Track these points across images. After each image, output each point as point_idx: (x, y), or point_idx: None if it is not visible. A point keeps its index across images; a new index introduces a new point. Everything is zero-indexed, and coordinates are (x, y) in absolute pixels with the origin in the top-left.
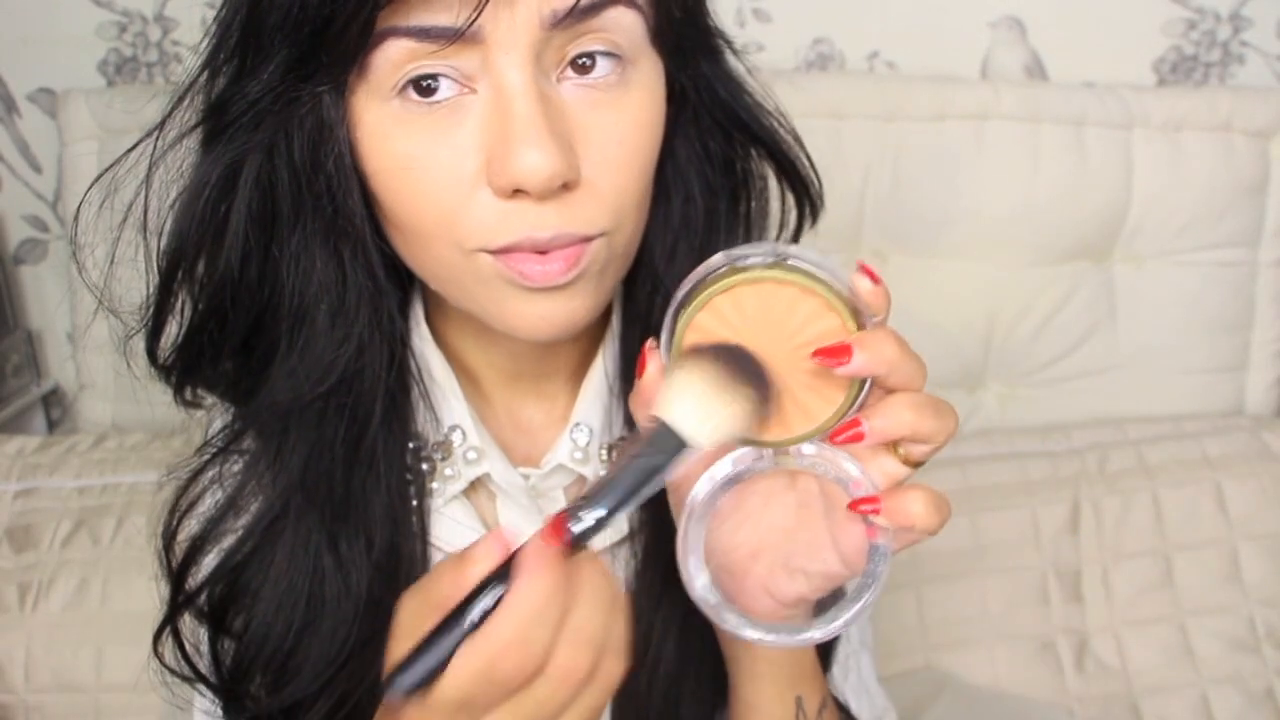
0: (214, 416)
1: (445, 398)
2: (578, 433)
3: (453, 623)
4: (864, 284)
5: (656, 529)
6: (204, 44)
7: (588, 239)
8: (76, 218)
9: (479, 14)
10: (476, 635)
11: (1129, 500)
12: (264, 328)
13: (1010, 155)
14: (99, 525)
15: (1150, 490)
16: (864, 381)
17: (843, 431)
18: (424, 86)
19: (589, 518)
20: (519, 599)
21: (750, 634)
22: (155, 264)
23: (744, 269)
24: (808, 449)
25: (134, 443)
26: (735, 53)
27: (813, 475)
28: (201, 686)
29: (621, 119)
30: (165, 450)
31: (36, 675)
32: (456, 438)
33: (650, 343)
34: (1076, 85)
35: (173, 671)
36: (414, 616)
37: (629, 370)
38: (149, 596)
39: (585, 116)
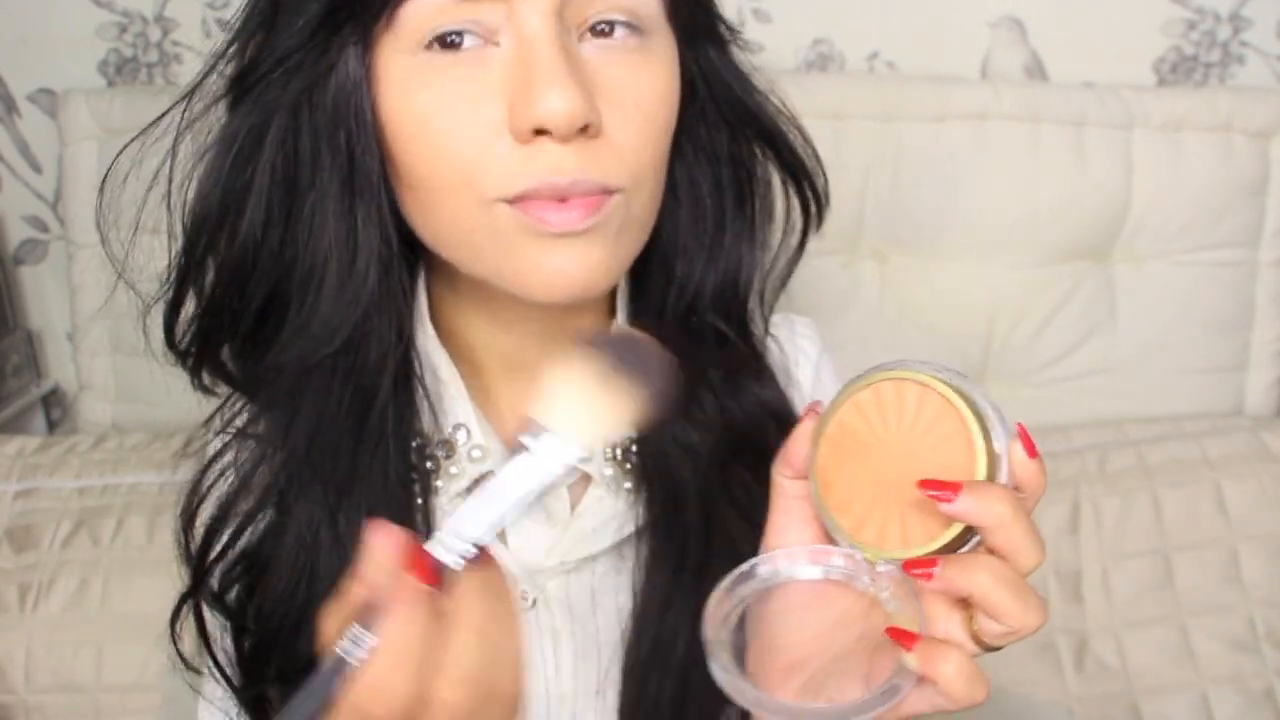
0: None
1: (450, 396)
2: None
3: (333, 667)
4: (1018, 452)
5: (663, 530)
6: (235, 18)
7: (606, 191)
8: (102, 190)
9: None
10: (352, 680)
11: (1129, 500)
12: (280, 293)
13: (1010, 155)
14: (99, 525)
15: (1150, 490)
16: (972, 533)
17: (917, 565)
18: (447, 41)
19: (461, 550)
20: (387, 639)
21: (717, 671)
22: (181, 232)
23: (925, 372)
24: (884, 568)
25: (134, 443)
26: (741, 45)
27: (884, 611)
28: (213, 673)
29: (639, 80)
30: (165, 450)
31: (36, 675)
32: (461, 436)
33: (816, 404)
34: (1076, 85)
35: (187, 665)
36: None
37: None
38: (149, 597)
39: (605, 72)
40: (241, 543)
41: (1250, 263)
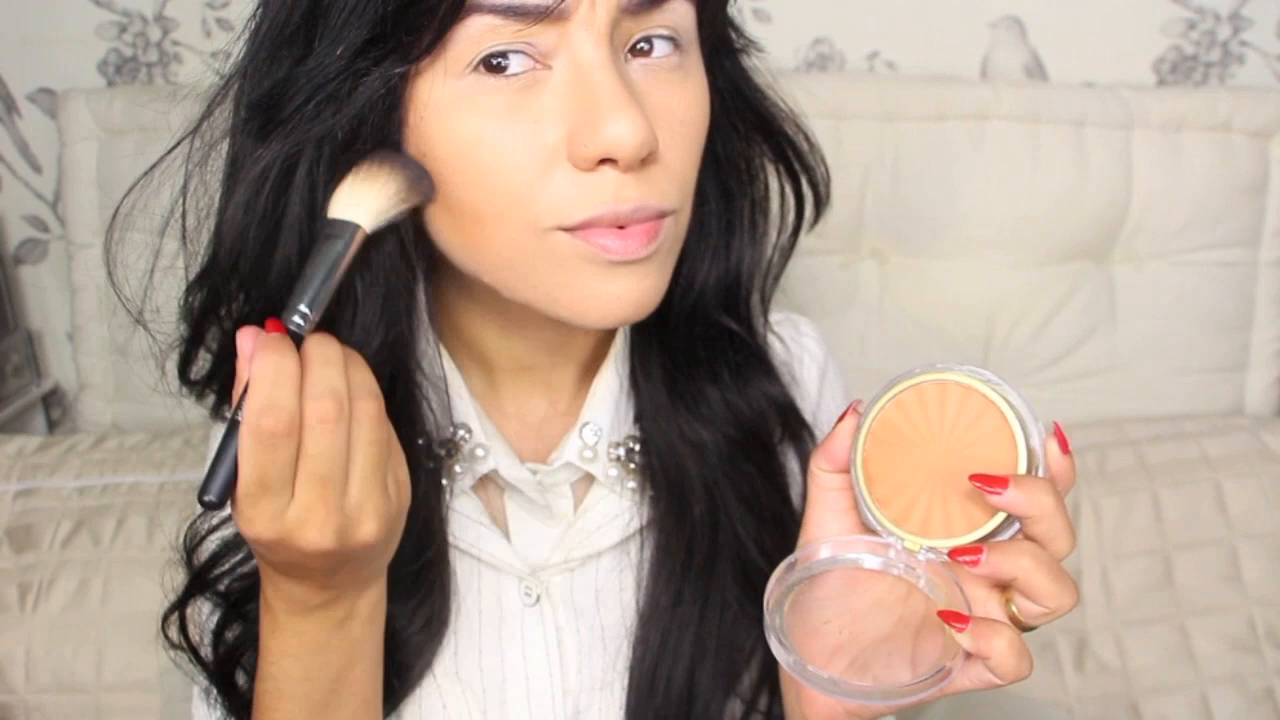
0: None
1: (453, 396)
2: (587, 432)
3: (229, 431)
4: (1054, 448)
5: (669, 526)
6: (247, 34)
7: (663, 214)
8: (111, 229)
9: None
10: (247, 411)
11: (1129, 500)
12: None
13: (1010, 155)
14: (99, 525)
15: (1150, 490)
16: (1013, 522)
17: (964, 553)
18: (494, 64)
19: (298, 312)
20: (255, 373)
21: (778, 651)
22: (202, 267)
23: (965, 373)
24: (928, 555)
25: (134, 443)
26: (755, 54)
27: (924, 595)
28: (193, 663)
29: (681, 100)
30: (165, 450)
31: (36, 675)
32: (463, 434)
33: (858, 402)
34: (1076, 85)
35: (174, 645)
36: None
37: (643, 366)
38: (149, 597)
39: (652, 95)
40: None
41: (1250, 263)
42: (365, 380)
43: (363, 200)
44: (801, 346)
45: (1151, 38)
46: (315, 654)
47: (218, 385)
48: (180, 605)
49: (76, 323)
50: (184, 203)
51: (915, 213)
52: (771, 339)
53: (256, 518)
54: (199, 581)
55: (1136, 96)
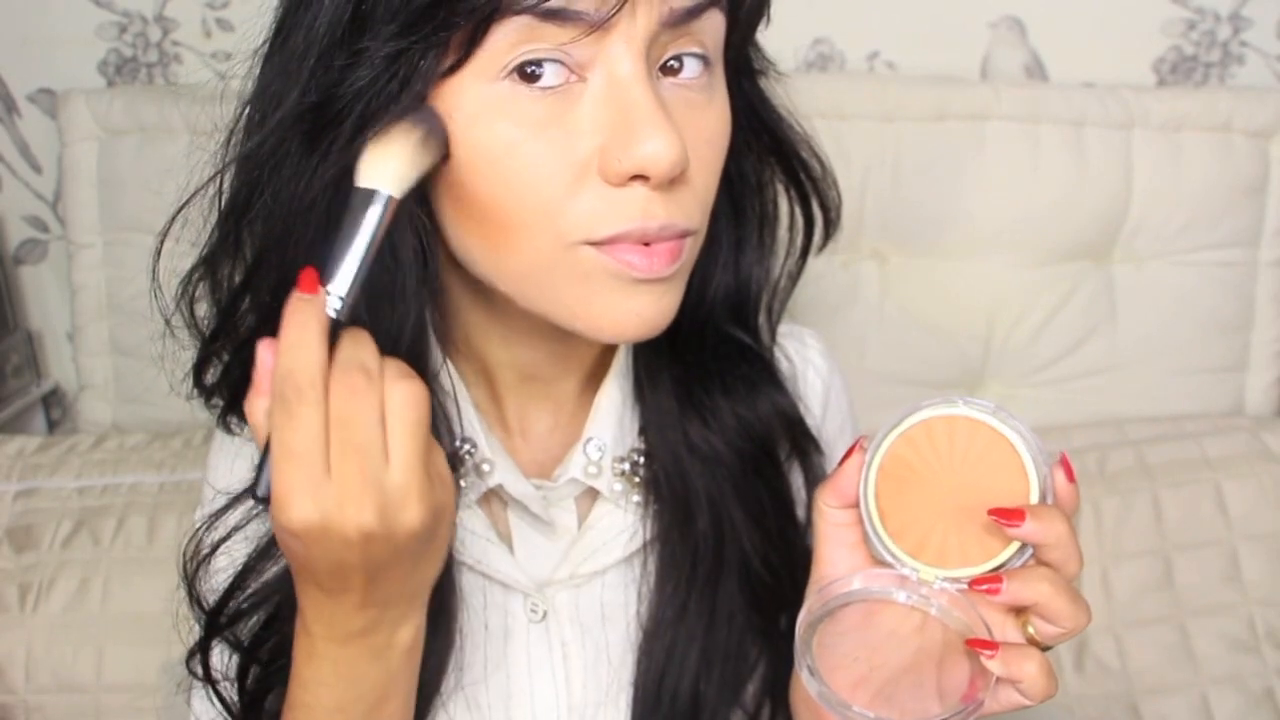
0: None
1: (458, 411)
2: (590, 447)
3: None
4: (1060, 476)
5: (675, 540)
6: (270, 36)
7: (686, 234)
8: (164, 237)
9: (621, 5)
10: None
11: (1129, 500)
12: None
13: (1010, 155)
14: (99, 526)
15: (1150, 490)
16: (1026, 549)
17: (984, 582)
18: (528, 72)
19: (336, 298)
20: (284, 339)
21: (816, 690)
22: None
23: (972, 407)
24: (947, 584)
25: (134, 443)
26: (775, 76)
27: (940, 623)
28: (213, 701)
29: (709, 119)
30: (165, 450)
31: (37, 675)
32: (468, 449)
33: (863, 438)
34: (1076, 85)
35: (201, 680)
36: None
37: (649, 377)
38: (149, 597)
39: (680, 113)
40: (267, 580)
41: (1250, 263)
42: (403, 367)
43: (386, 164)
44: (806, 359)
45: (1151, 38)
46: (351, 684)
47: (227, 392)
48: (201, 649)
49: (76, 323)
50: (220, 203)
51: (915, 213)
52: (777, 351)
53: (293, 498)
54: (216, 623)
55: (1136, 97)
